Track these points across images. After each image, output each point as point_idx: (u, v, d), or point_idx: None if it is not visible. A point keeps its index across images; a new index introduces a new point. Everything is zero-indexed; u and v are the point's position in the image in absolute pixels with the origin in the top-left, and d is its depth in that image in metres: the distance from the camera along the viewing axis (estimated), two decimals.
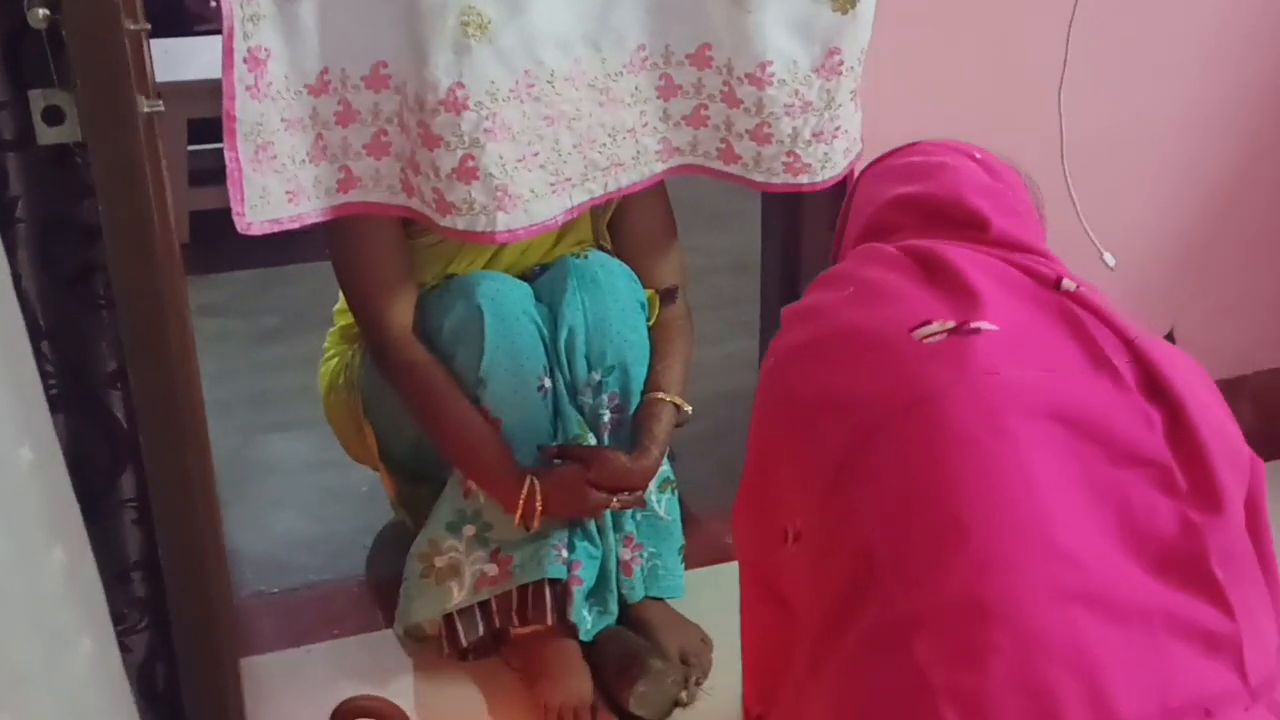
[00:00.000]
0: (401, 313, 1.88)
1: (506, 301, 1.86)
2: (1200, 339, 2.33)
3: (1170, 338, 2.14)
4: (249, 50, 1.59)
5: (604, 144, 1.81)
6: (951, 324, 1.21)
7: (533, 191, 1.75)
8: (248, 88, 1.61)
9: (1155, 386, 1.18)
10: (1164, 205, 2.36)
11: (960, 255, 1.30)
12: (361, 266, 1.89)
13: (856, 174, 1.60)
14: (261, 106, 1.63)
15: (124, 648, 1.61)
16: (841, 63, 1.84)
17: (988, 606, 1.08)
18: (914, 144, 1.57)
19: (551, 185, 1.77)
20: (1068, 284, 1.26)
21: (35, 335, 1.46)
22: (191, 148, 3.41)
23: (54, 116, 1.19)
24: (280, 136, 1.66)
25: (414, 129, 1.69)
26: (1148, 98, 2.26)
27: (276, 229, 1.70)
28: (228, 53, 1.58)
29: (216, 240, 3.32)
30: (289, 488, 2.50)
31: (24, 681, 1.07)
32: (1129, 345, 1.20)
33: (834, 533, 1.20)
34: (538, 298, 1.93)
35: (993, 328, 1.20)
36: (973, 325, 1.20)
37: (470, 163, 1.69)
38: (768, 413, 1.36)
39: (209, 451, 1.43)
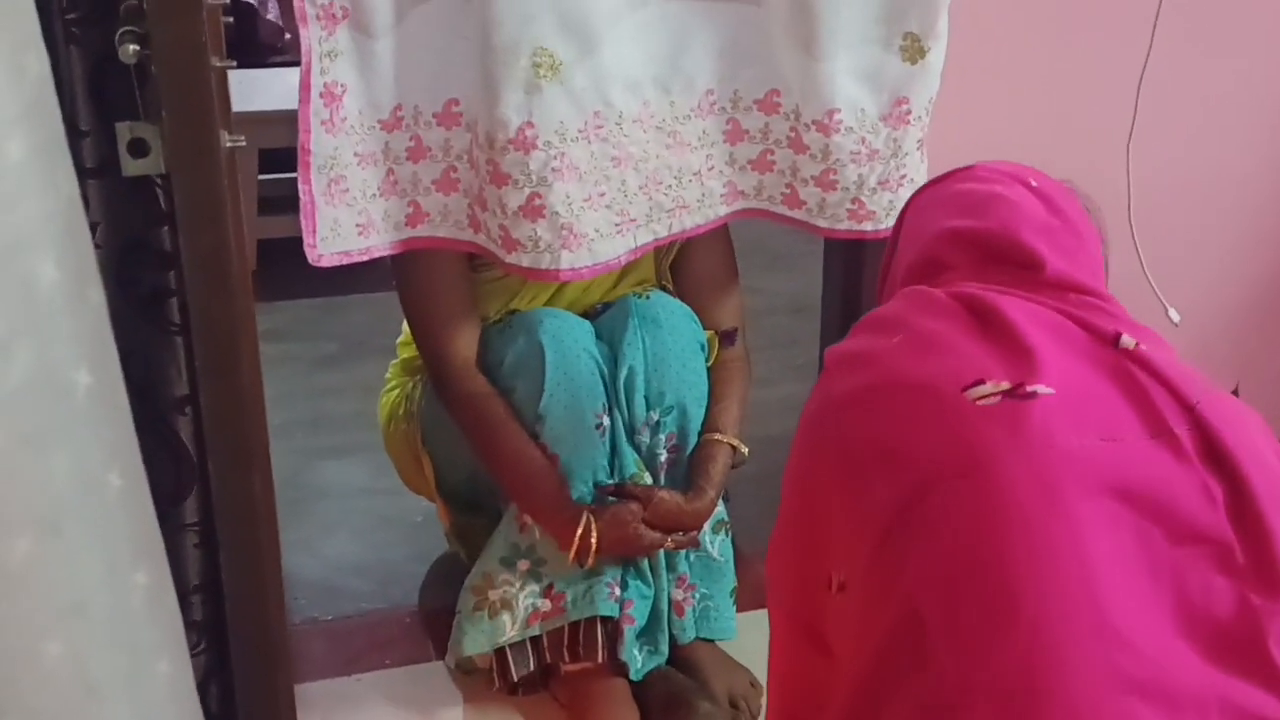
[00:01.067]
0: (464, 345, 1.90)
1: (567, 339, 1.87)
2: (1266, 397, 2.31)
3: (1235, 394, 2.10)
4: (325, 85, 1.63)
5: (669, 186, 1.82)
6: (1006, 385, 1.17)
7: (597, 231, 1.76)
8: (322, 122, 1.64)
9: (1216, 456, 1.14)
10: (1231, 261, 2.34)
11: (1014, 306, 1.26)
12: (427, 299, 1.91)
13: (906, 204, 1.57)
14: (335, 141, 1.66)
15: None
16: (909, 112, 1.85)
17: (1041, 690, 1.05)
18: (968, 168, 1.53)
19: (616, 225, 1.78)
20: (1126, 341, 1.23)
21: None
22: (261, 176, 3.47)
23: (139, 148, 1.22)
24: (353, 171, 1.69)
25: (483, 166, 1.72)
26: (1216, 153, 2.25)
27: (346, 261, 1.74)
28: (304, 87, 1.61)
29: (282, 267, 3.37)
30: (344, 513, 2.51)
31: (101, 697, 1.09)
32: (1189, 411, 1.16)
33: (882, 589, 1.17)
34: (598, 336, 1.94)
35: (1049, 391, 1.16)
36: (1029, 389, 1.16)
37: (537, 201, 1.71)
38: (815, 458, 1.31)
39: (271, 477, 1.45)
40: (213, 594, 1.56)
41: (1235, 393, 2.10)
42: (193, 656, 1.61)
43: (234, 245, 1.24)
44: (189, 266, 1.23)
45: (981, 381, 1.18)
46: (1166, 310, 2.24)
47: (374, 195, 1.73)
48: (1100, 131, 2.17)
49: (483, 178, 1.73)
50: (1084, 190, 1.51)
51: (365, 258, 1.76)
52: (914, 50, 1.83)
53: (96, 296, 1.10)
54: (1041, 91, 2.11)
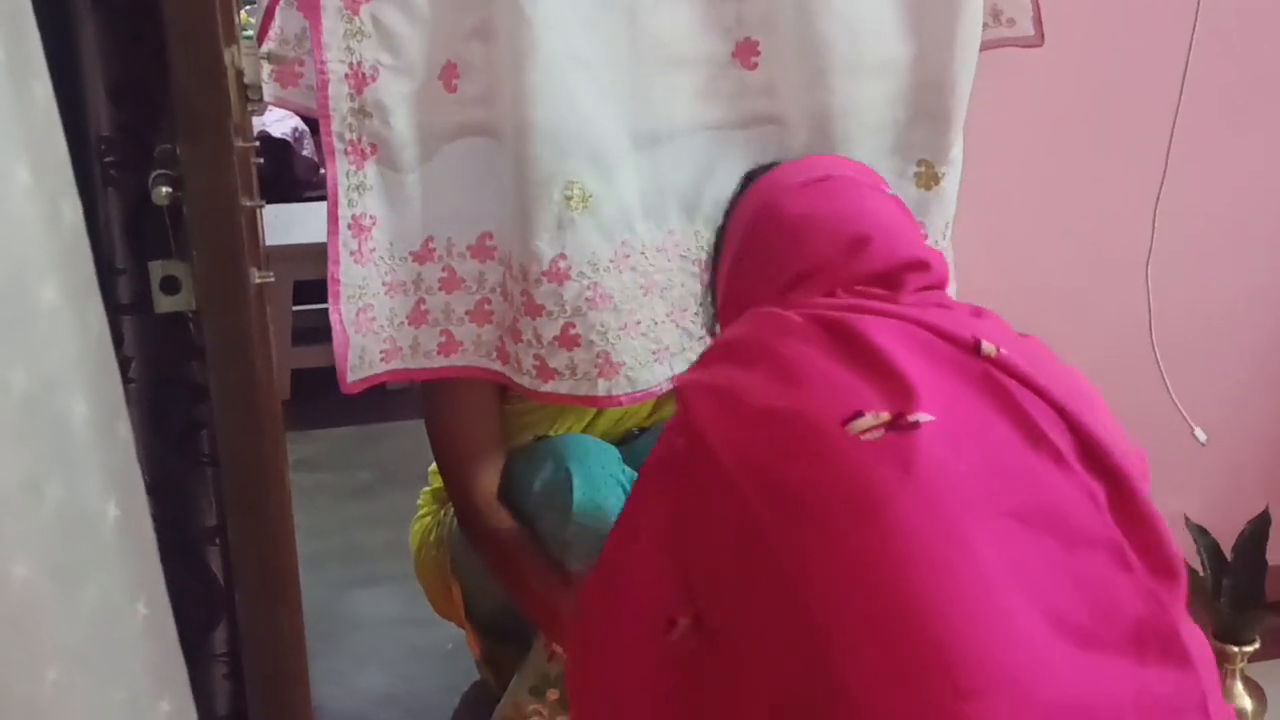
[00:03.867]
0: (489, 480, 1.90)
1: (594, 465, 1.86)
2: None
3: (1265, 516, 2.08)
4: (353, 217, 1.65)
5: (695, 313, 1.84)
6: (886, 416, 1.14)
7: (636, 359, 1.77)
8: (351, 253, 1.66)
9: (1092, 455, 1.16)
10: (1257, 381, 2.33)
11: (874, 327, 1.23)
12: (454, 432, 1.92)
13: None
14: (364, 270, 1.68)
15: None
16: (925, 236, 1.86)
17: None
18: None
19: (654, 354, 1.79)
20: (987, 348, 1.22)
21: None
22: (296, 308, 3.52)
23: (171, 286, 1.26)
24: (380, 299, 1.71)
25: (517, 297, 1.73)
26: (1237, 273, 2.25)
27: (374, 383, 1.75)
28: (333, 219, 1.64)
29: (316, 397, 3.37)
30: (375, 644, 2.49)
31: None
32: (1062, 415, 1.17)
33: (769, 617, 1.13)
34: (636, 459, 1.91)
35: (929, 419, 1.14)
36: (909, 419, 1.14)
37: (572, 330, 1.72)
38: (682, 496, 1.24)
39: (300, 609, 1.46)
40: None
41: (1265, 514, 2.08)
42: None
43: (263, 379, 1.26)
44: (218, 400, 1.26)
45: (860, 414, 1.15)
46: (1193, 430, 2.24)
47: (402, 323, 1.75)
48: (1118, 255, 2.18)
49: (517, 309, 1.74)
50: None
51: (390, 379, 1.77)
52: (928, 176, 1.85)
53: (124, 430, 1.12)
54: (1058, 216, 2.13)
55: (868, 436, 1.13)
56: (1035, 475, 1.14)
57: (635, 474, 1.89)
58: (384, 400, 3.49)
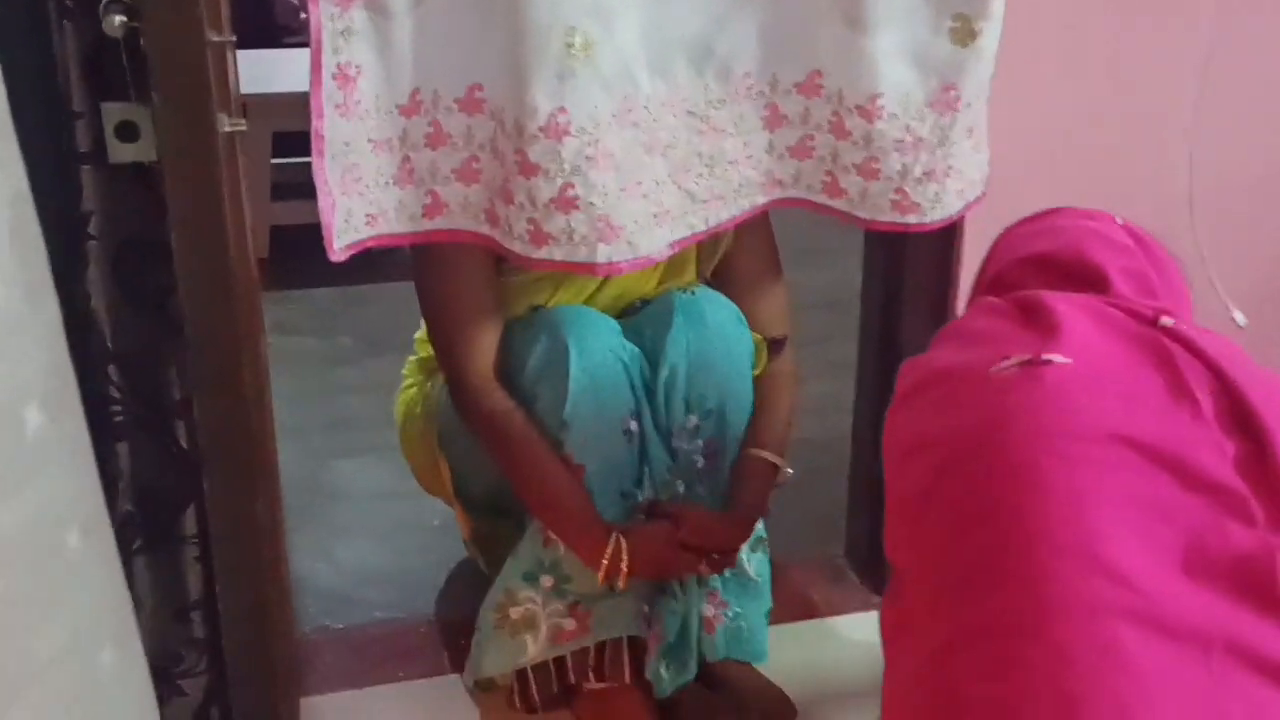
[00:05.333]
0: (484, 356, 1.80)
1: (593, 341, 1.77)
2: None
3: None
4: (338, 66, 1.53)
5: (700, 175, 1.73)
6: (1026, 357, 1.21)
7: (636, 223, 1.66)
8: (336, 105, 1.54)
9: (1241, 419, 1.16)
10: None
11: (1061, 297, 1.30)
12: (448, 301, 1.81)
13: (998, 236, 1.60)
14: (350, 126, 1.57)
15: (180, 691, 1.54)
16: (958, 98, 1.73)
17: (1021, 622, 1.08)
18: (1057, 210, 1.57)
19: (655, 216, 1.68)
20: (1166, 320, 1.26)
21: (104, 358, 1.39)
22: (276, 161, 3.38)
23: (128, 133, 1.11)
24: (366, 158, 1.60)
25: (509, 156, 1.62)
26: None
27: (359, 250, 1.64)
28: (316, 68, 1.51)
29: (297, 255, 3.32)
30: (360, 517, 2.43)
31: None
32: (1217, 377, 1.18)
33: (910, 574, 1.24)
34: (638, 332, 1.84)
35: (1065, 360, 1.20)
36: (1044, 357, 1.20)
37: (570, 191, 1.61)
38: (886, 460, 1.36)
39: (278, 490, 1.34)
40: (214, 610, 1.46)
41: None
42: (193, 677, 1.53)
43: (235, 240, 1.12)
44: (181, 262, 1.12)
45: (1007, 357, 1.23)
46: (1231, 313, 2.14)
47: (388, 184, 1.63)
48: (1160, 123, 2.06)
49: (509, 169, 1.63)
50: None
51: (376, 245, 1.66)
52: (964, 32, 1.72)
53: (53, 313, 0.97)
54: (1099, 76, 2.00)
55: (1003, 374, 1.21)
56: (1164, 419, 1.16)
57: (635, 349, 1.80)
58: (369, 261, 3.35)
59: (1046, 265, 1.45)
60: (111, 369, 1.39)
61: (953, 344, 1.36)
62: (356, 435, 2.66)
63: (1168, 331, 1.24)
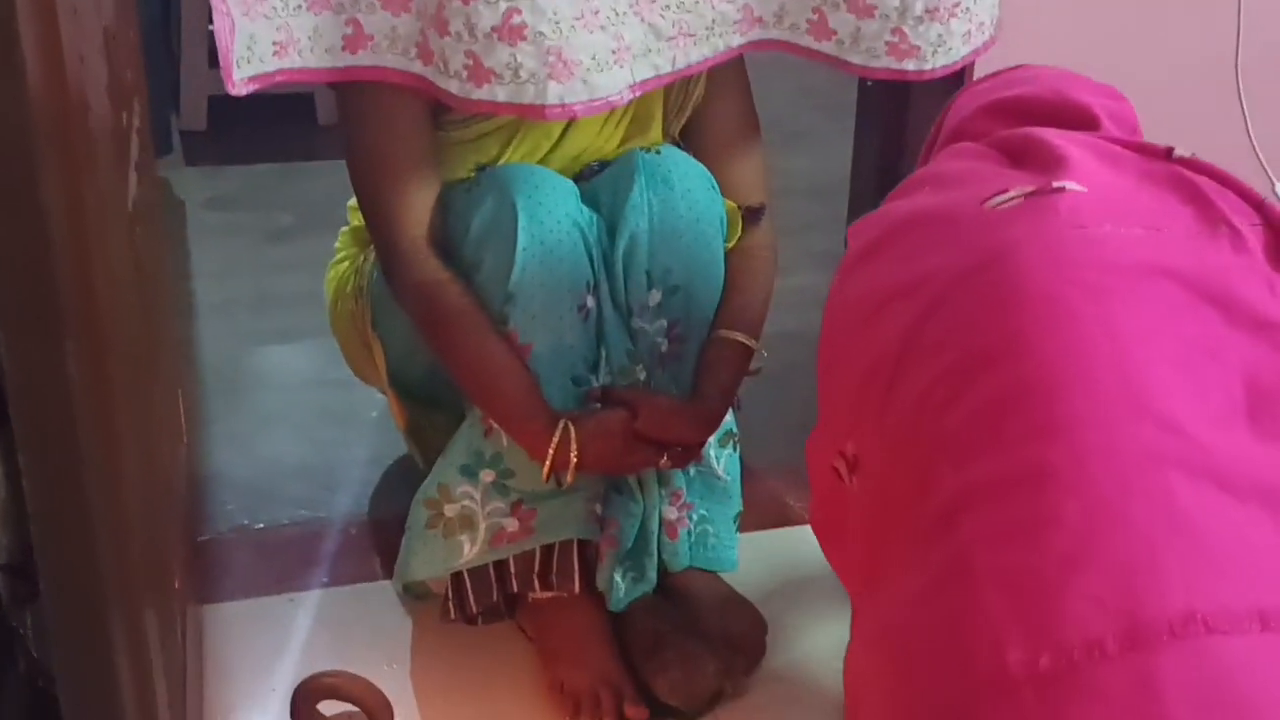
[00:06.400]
0: (416, 217, 1.61)
1: (546, 200, 1.57)
2: None
3: None
4: None
5: (667, 6, 1.54)
6: (1030, 188, 1.07)
7: (594, 59, 1.47)
8: None
9: None
10: None
11: (1053, 132, 1.16)
12: (375, 152, 1.61)
13: (954, 95, 1.44)
14: None
15: None
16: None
17: (1049, 472, 0.93)
18: (1019, 67, 1.42)
19: (614, 53, 1.49)
20: (1181, 151, 1.12)
21: None
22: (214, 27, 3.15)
23: None
24: None
25: None
26: None
27: (263, 85, 1.45)
28: None
29: (236, 127, 3.17)
30: (286, 406, 2.24)
31: None
32: (1258, 208, 1.06)
33: (893, 441, 1.07)
34: (594, 198, 1.65)
35: (1079, 188, 1.06)
36: (1054, 185, 1.06)
37: (515, 19, 1.42)
38: (827, 333, 1.21)
39: (110, 345, 1.02)
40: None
41: None
42: None
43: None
44: None
45: (1004, 191, 1.08)
46: (1274, 185, 1.99)
47: (299, 7, 1.45)
48: None
49: None
50: None
51: (287, 80, 1.47)
52: None
53: None
54: None
55: (1005, 207, 1.07)
56: (1205, 251, 1.02)
57: (594, 215, 1.62)
58: (312, 133, 3.26)
59: (1021, 110, 1.29)
60: None
61: (924, 190, 1.20)
62: (288, 317, 2.47)
63: (1186, 163, 1.11)
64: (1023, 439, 0.96)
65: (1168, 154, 1.13)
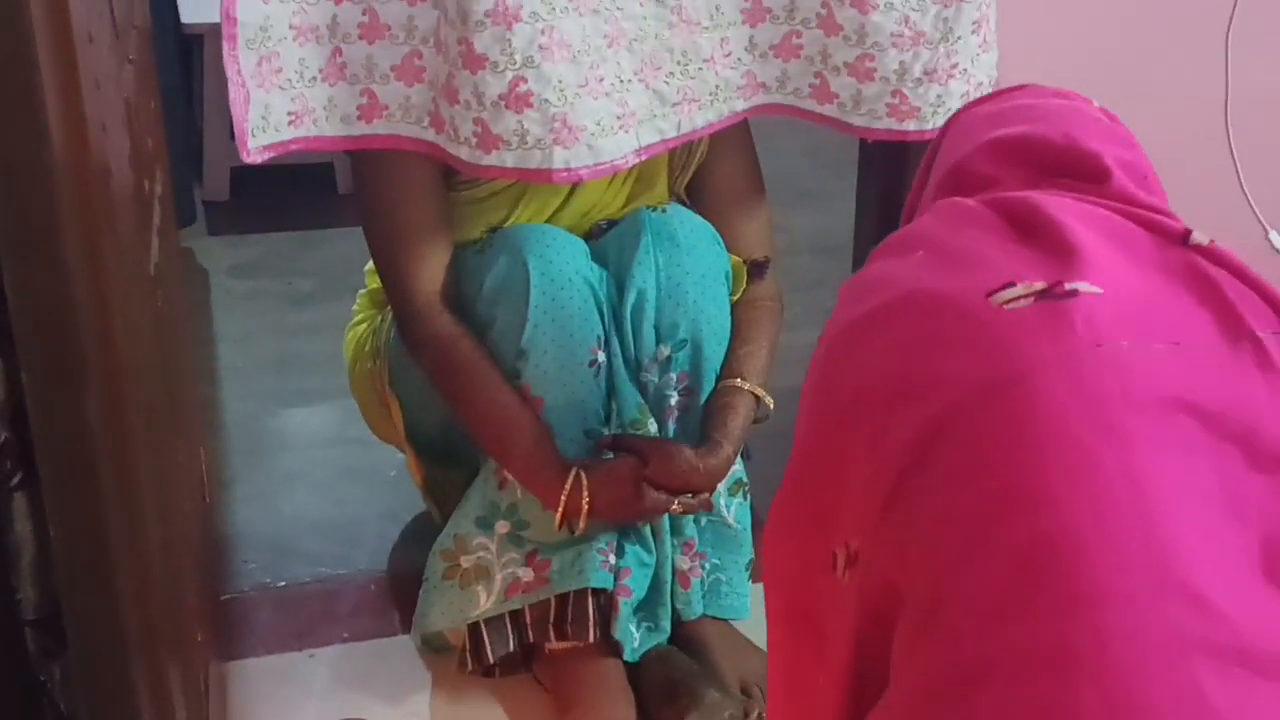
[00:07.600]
0: (430, 276, 1.65)
1: (557, 259, 1.60)
2: None
3: None
4: None
5: (671, 73, 1.57)
6: (1040, 285, 0.98)
7: (598, 125, 1.51)
8: None
9: None
10: None
11: (1060, 205, 1.07)
12: (390, 214, 1.66)
13: (951, 117, 1.36)
14: (268, 9, 1.43)
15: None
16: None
17: (1073, 653, 0.85)
18: (1021, 86, 1.34)
19: (618, 118, 1.53)
20: (1198, 237, 1.02)
21: None
22: None
23: None
24: (287, 47, 1.47)
25: (453, 48, 1.47)
26: None
27: (278, 152, 1.50)
28: None
29: (257, 197, 3.23)
30: (306, 465, 2.26)
31: None
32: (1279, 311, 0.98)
33: (891, 554, 0.98)
34: (603, 256, 1.68)
35: (1094, 290, 0.97)
36: (1068, 286, 0.97)
37: (522, 87, 1.46)
38: (817, 404, 1.12)
39: (137, 395, 1.06)
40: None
41: None
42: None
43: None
44: None
45: (1011, 284, 0.99)
46: (1267, 232, 2.00)
47: (314, 79, 1.49)
48: (1196, 20, 1.93)
49: (453, 62, 1.48)
50: None
51: (302, 149, 1.51)
52: None
53: None
54: None
55: (1013, 307, 0.98)
56: (1228, 372, 0.95)
57: (603, 272, 1.65)
58: (332, 201, 3.30)
59: (1027, 152, 1.22)
60: None
61: (917, 260, 1.13)
62: (308, 379, 2.50)
63: (1203, 252, 1.02)
64: (1046, 614, 0.88)
65: (1184, 237, 1.06)
